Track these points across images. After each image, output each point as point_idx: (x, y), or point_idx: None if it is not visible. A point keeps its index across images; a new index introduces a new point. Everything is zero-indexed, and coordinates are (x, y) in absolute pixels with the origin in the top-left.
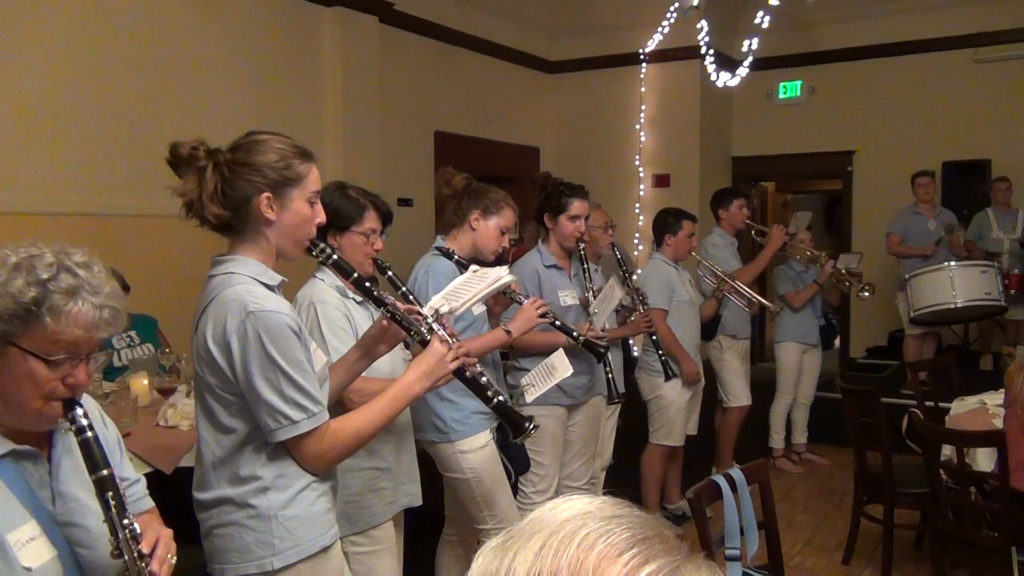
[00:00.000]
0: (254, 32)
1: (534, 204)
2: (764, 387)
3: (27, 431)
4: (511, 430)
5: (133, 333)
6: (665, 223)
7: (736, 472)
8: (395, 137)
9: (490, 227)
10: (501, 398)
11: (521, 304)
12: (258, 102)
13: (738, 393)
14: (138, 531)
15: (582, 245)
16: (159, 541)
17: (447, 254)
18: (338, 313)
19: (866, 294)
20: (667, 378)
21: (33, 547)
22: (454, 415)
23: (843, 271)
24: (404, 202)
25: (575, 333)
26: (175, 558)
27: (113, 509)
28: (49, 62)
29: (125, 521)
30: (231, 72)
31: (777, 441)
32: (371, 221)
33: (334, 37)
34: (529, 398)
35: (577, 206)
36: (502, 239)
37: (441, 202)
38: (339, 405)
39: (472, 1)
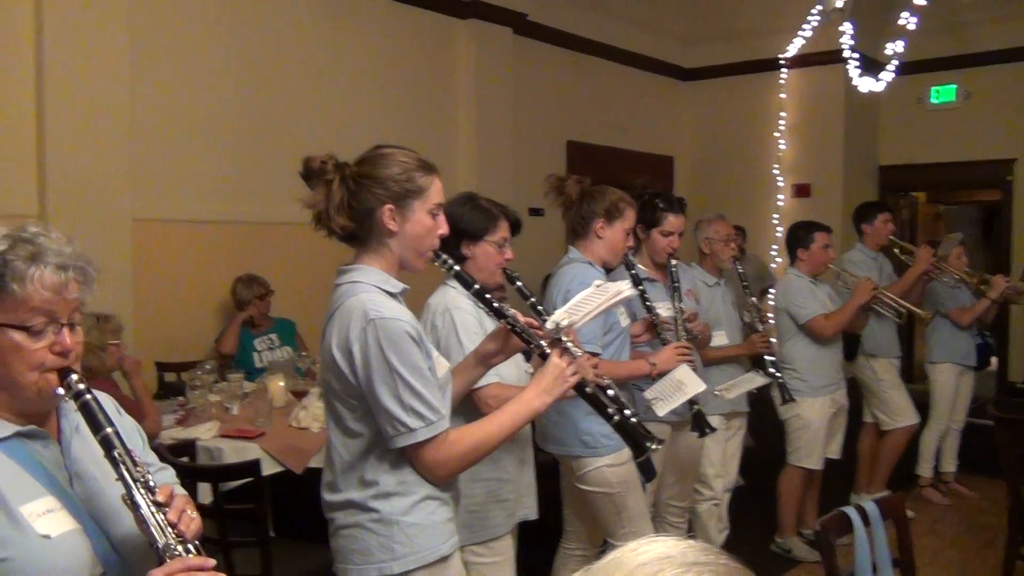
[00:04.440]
0: (392, 46)
1: None
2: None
3: (32, 413)
4: (632, 449)
5: (274, 336)
6: (796, 237)
7: (870, 504)
8: (527, 147)
9: (616, 232)
10: (627, 412)
11: (666, 341)
12: (394, 113)
13: (905, 411)
14: (152, 484)
15: (674, 262)
16: (175, 494)
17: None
18: (472, 319)
19: None
20: (784, 402)
21: (51, 518)
22: (603, 429)
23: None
24: (535, 211)
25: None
26: (197, 514)
27: (121, 465)
28: (196, 78)
29: (136, 473)
30: (369, 85)
31: (925, 469)
32: (503, 231)
33: (469, 49)
34: (660, 412)
35: (672, 222)
36: (627, 240)
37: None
38: (474, 410)
39: (606, 10)
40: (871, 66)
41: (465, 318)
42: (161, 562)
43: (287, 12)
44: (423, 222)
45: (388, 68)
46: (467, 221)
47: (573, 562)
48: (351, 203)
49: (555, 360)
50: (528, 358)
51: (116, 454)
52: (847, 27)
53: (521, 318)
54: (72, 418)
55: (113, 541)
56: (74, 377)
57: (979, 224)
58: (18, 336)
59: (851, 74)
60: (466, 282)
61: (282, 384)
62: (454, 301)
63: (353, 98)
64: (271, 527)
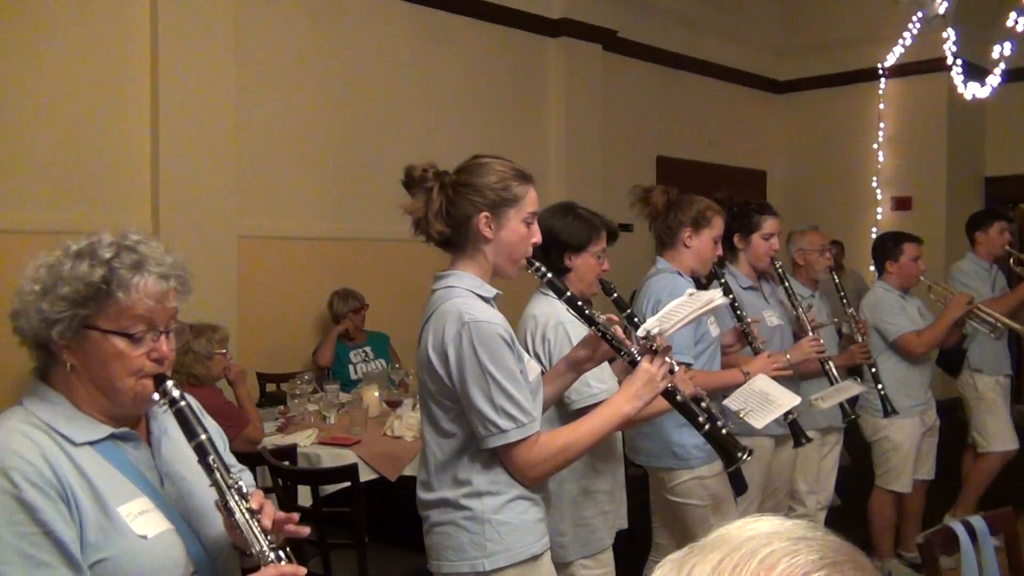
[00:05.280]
0: (485, 65)
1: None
2: (1020, 432)
3: (124, 416)
4: (723, 459)
5: (368, 349)
6: (884, 248)
7: (977, 520)
8: (616, 162)
9: (704, 240)
10: (719, 423)
11: (757, 350)
12: (487, 130)
13: (1001, 435)
14: (246, 490)
15: (778, 263)
16: (266, 502)
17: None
18: (583, 331)
19: None
20: (886, 414)
21: (146, 519)
22: (696, 441)
23: None
24: (625, 227)
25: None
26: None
27: (216, 472)
28: (297, 104)
29: (230, 480)
30: (463, 103)
31: None
32: (603, 241)
33: (559, 66)
34: (758, 425)
35: (771, 224)
36: (716, 248)
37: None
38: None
39: (697, 24)
40: (976, 73)
41: (579, 331)
42: (255, 568)
43: (383, 35)
44: (518, 230)
45: (481, 86)
46: (570, 232)
47: None
48: (449, 210)
49: (645, 365)
50: (611, 362)
51: (210, 460)
52: (950, 33)
53: (613, 323)
54: (161, 420)
55: (203, 541)
56: (169, 384)
57: None
58: (120, 343)
59: (956, 81)
60: (558, 289)
61: (377, 394)
62: (565, 314)
63: (447, 117)
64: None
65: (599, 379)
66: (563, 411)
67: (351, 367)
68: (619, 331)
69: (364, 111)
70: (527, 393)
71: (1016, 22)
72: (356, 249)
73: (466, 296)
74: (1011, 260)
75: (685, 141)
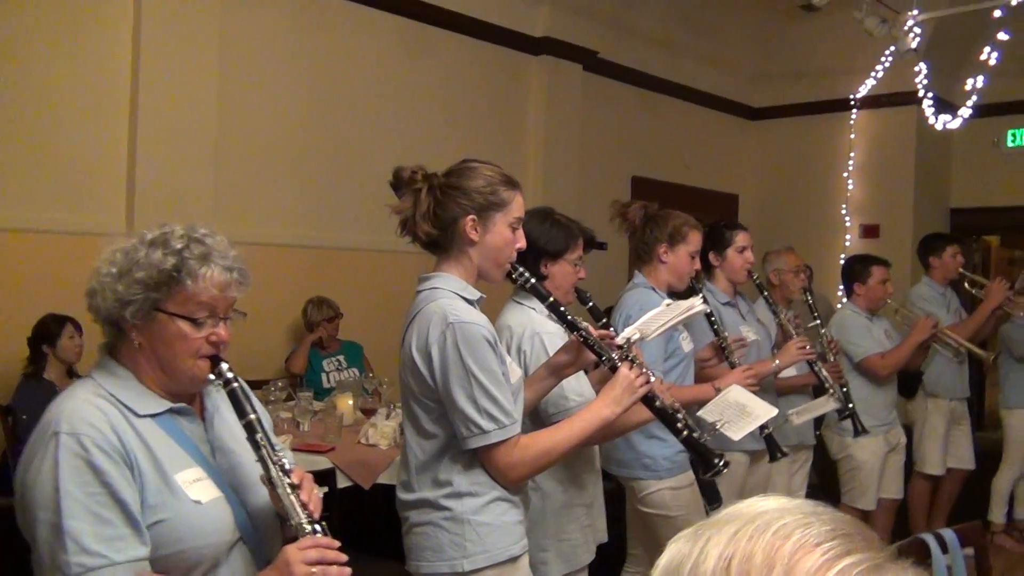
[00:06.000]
0: (465, 80)
1: None
2: (984, 456)
3: (181, 393)
4: (701, 466)
5: (341, 357)
6: (852, 271)
7: (948, 532)
8: (593, 181)
9: (680, 255)
10: (694, 433)
11: (733, 364)
12: (465, 144)
13: (929, 460)
14: (288, 466)
15: (755, 275)
16: (305, 477)
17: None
18: (560, 342)
19: None
20: (856, 434)
21: (200, 486)
22: (665, 452)
23: None
24: (599, 245)
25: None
26: (321, 493)
27: (263, 448)
28: (276, 111)
29: (275, 456)
30: (442, 118)
31: (997, 515)
32: (579, 248)
33: (540, 84)
34: (735, 436)
35: (742, 237)
36: (693, 263)
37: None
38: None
39: (676, 49)
40: (945, 107)
41: (556, 341)
42: (293, 538)
43: (366, 46)
44: (503, 234)
45: (461, 100)
46: (548, 239)
47: None
48: (436, 211)
49: (624, 372)
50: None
51: (258, 438)
52: (921, 67)
53: (594, 332)
54: (214, 398)
55: (248, 510)
56: (224, 366)
57: None
58: (185, 326)
59: (926, 113)
60: (541, 295)
61: (351, 403)
62: (541, 324)
63: (426, 130)
64: None
65: (576, 391)
66: (537, 421)
67: (324, 375)
68: (602, 335)
69: (344, 121)
70: (509, 395)
71: (989, 56)
72: (332, 258)
73: (450, 297)
74: (965, 283)
75: (660, 163)
